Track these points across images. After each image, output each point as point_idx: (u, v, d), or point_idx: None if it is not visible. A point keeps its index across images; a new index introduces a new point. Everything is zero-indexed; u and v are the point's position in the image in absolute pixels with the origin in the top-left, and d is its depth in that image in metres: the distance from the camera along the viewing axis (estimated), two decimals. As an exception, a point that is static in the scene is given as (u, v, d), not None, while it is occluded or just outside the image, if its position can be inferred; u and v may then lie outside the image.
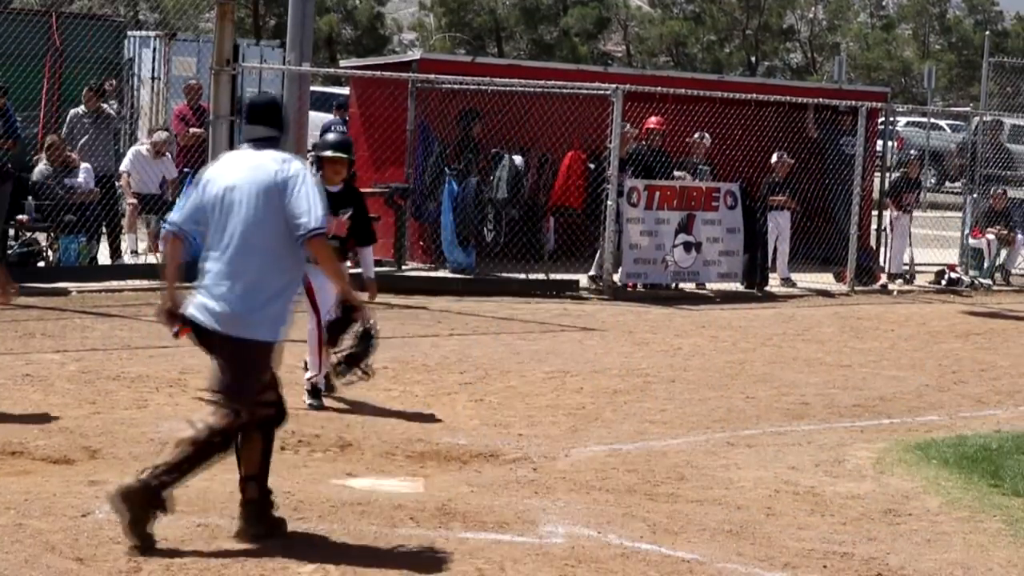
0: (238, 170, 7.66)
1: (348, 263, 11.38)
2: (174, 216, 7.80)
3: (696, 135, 20.47)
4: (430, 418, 11.24)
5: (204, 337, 7.62)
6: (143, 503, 7.34)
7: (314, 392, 11.31)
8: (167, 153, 19.55)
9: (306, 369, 11.33)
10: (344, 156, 11.31)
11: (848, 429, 11.60)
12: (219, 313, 7.49)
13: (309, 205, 7.48)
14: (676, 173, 20.12)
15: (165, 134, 20.12)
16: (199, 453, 7.48)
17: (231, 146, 18.31)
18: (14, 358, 12.60)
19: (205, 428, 7.48)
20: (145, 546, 7.32)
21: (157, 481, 7.38)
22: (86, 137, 18.87)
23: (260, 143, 7.73)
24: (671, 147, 20.36)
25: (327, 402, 11.34)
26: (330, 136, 11.89)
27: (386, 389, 11.93)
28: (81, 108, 19.07)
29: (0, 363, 12.35)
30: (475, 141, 20.00)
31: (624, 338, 15.78)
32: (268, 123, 7.77)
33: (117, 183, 18.91)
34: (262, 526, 7.64)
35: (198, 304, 7.58)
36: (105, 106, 19.51)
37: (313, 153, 11.95)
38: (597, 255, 19.31)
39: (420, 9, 68.26)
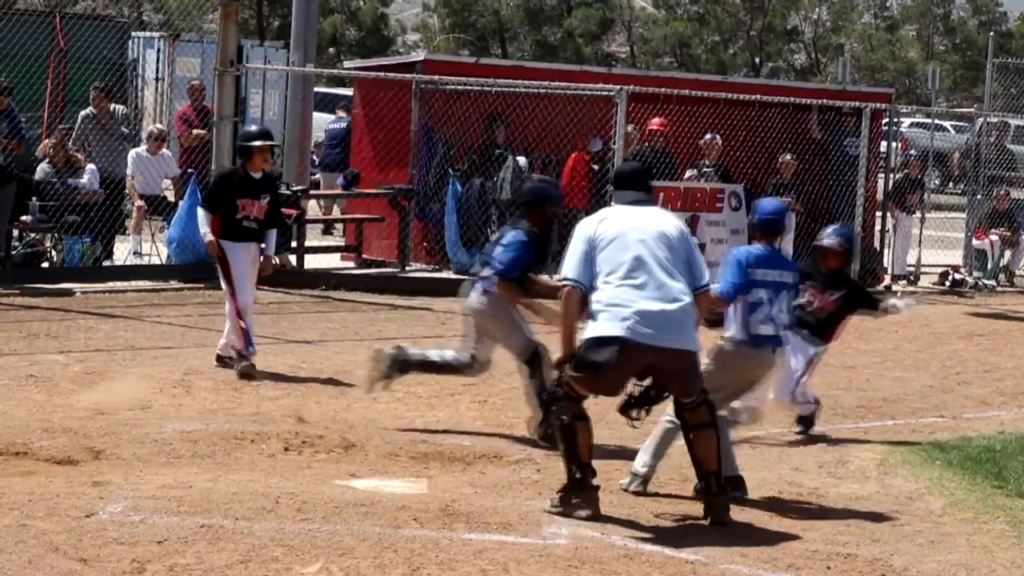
0: (635, 219, 8.64)
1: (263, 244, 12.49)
2: (568, 273, 8.56)
3: (707, 136, 20.41)
4: (434, 419, 11.24)
5: (634, 353, 8.37)
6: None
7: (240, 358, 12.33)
8: (166, 150, 19.50)
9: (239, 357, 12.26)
10: (275, 144, 12.55)
11: (852, 430, 11.60)
12: (668, 329, 8.37)
13: (703, 263, 8.78)
14: (688, 173, 20.09)
15: (161, 126, 20.06)
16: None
17: (234, 147, 18.33)
18: (18, 359, 12.60)
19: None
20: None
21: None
22: (96, 139, 18.77)
23: (637, 204, 8.78)
24: (674, 148, 20.33)
25: (331, 407, 11.38)
26: (253, 128, 12.97)
27: (390, 390, 11.92)
28: (91, 110, 18.96)
29: (4, 364, 12.35)
30: (499, 146, 19.85)
31: (628, 339, 15.74)
32: (640, 188, 8.90)
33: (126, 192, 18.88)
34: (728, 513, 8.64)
35: (639, 321, 8.33)
36: (115, 106, 19.40)
37: (240, 143, 12.66)
38: (601, 256, 19.24)
39: (424, 10, 68.31)
